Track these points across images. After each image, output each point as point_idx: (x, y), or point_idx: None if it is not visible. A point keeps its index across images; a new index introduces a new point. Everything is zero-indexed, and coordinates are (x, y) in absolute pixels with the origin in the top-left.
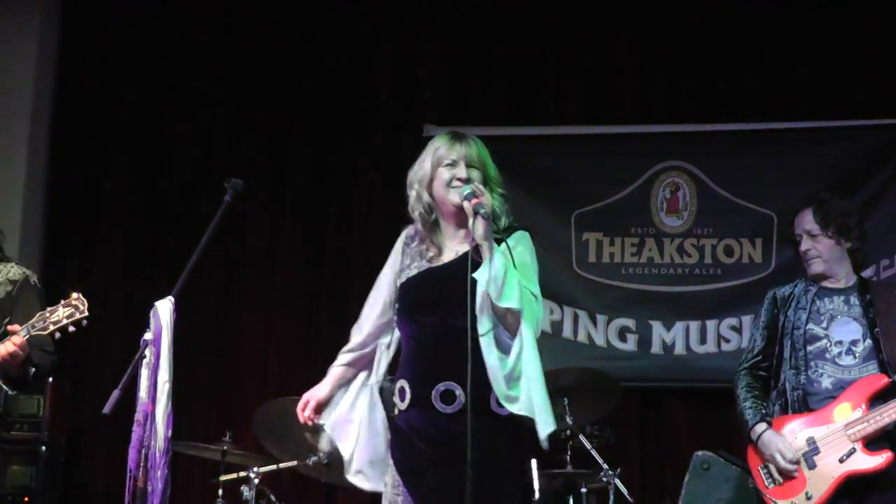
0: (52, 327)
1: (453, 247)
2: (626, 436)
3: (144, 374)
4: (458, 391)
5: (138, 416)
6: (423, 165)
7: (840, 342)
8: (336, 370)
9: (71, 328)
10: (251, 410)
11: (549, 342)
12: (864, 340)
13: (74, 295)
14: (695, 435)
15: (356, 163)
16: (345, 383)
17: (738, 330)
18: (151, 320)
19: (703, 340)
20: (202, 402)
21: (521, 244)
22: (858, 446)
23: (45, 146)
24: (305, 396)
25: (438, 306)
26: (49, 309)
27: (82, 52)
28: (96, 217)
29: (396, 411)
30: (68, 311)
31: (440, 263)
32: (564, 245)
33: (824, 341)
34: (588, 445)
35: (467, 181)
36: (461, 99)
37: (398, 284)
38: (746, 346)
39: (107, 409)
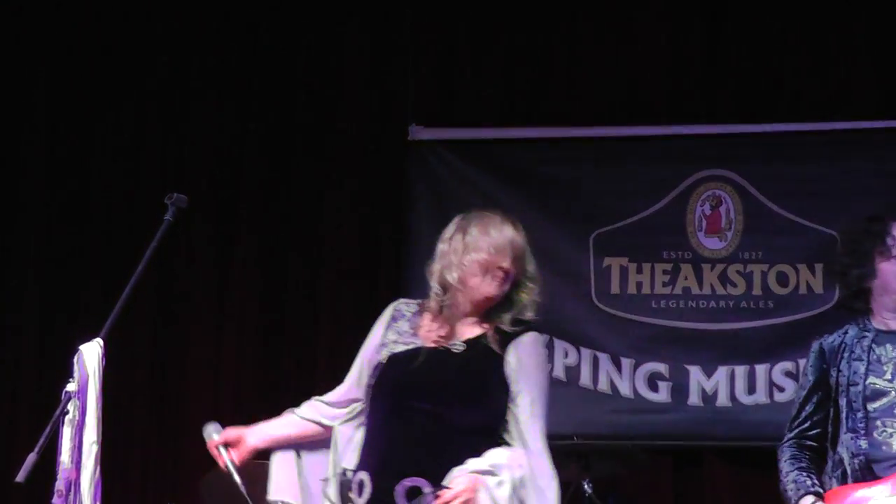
0: None
1: (463, 331)
2: None
3: (67, 433)
4: (427, 489)
5: (59, 485)
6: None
7: None
8: (294, 419)
9: None
10: (197, 479)
11: (562, 391)
12: None
13: None
14: None
15: (326, 174)
16: (296, 442)
17: (793, 376)
18: (75, 368)
19: (751, 389)
20: (137, 468)
21: (535, 372)
22: None
23: None
24: (233, 433)
25: (437, 393)
26: None
27: None
28: (6, 241)
29: None
30: None
31: (449, 347)
32: (581, 273)
33: (891, 395)
34: None
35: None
36: (454, 94)
37: (382, 359)
38: (792, 411)
39: (20, 476)
